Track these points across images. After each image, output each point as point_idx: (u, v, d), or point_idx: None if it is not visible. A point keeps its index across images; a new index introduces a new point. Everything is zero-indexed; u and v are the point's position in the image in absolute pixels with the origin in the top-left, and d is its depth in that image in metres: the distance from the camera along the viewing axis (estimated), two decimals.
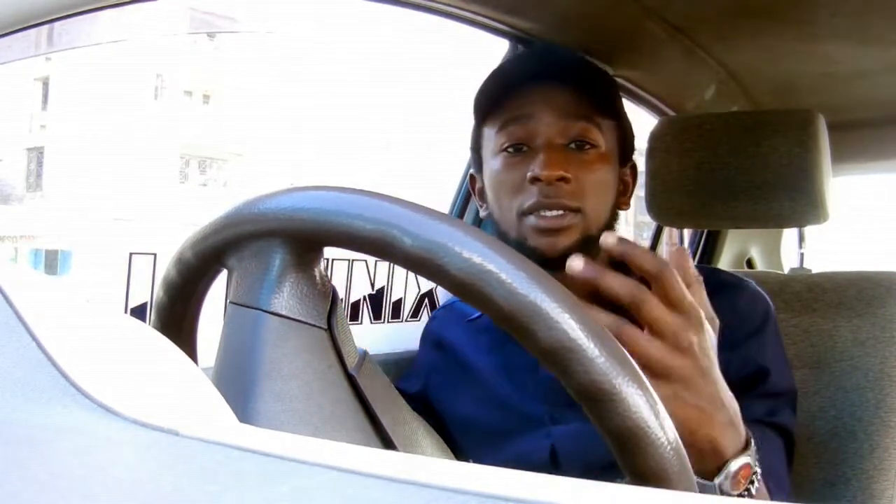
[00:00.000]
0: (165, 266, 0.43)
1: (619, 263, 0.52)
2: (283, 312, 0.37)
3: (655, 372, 0.50)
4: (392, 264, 0.59)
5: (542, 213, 0.76)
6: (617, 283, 0.50)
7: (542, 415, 0.80)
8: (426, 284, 1.15)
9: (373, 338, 1.06)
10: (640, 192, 1.09)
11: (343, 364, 0.39)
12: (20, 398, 0.24)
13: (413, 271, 0.35)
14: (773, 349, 0.78)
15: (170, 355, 0.30)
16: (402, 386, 0.92)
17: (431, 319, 1.01)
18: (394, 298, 1.10)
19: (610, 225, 0.82)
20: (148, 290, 0.79)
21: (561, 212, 0.76)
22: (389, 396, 0.41)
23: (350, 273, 1.03)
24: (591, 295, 0.50)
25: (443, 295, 1.15)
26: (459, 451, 0.86)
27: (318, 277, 0.39)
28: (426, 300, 1.14)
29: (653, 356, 0.50)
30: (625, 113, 0.85)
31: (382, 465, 0.20)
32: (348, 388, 0.38)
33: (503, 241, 0.80)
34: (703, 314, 0.53)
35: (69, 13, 0.59)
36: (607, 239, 0.50)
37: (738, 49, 1.27)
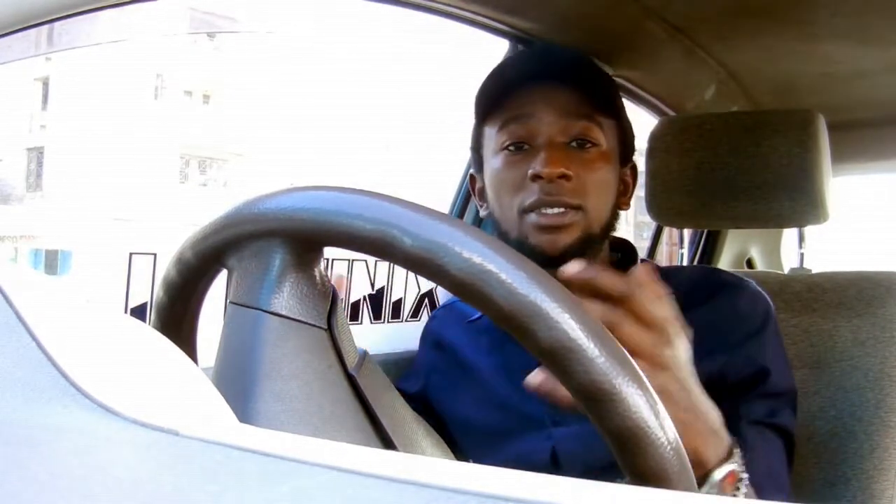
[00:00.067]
0: (165, 266, 0.43)
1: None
2: (283, 312, 0.37)
3: (662, 365, 0.52)
4: (392, 264, 0.59)
5: (543, 211, 0.76)
6: (588, 309, 0.51)
7: (543, 416, 0.80)
8: (426, 284, 1.15)
9: (373, 338, 1.06)
10: (640, 192, 1.09)
11: (343, 364, 0.39)
12: (20, 398, 0.24)
13: (413, 271, 0.35)
14: (773, 349, 0.78)
15: (170, 355, 0.30)
16: (402, 386, 0.92)
17: (431, 319, 1.01)
18: (394, 298, 1.10)
19: (611, 224, 0.82)
20: (148, 290, 0.79)
21: (562, 209, 0.76)
22: (389, 396, 0.41)
23: (350, 273, 1.03)
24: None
25: (443, 295, 1.15)
26: (459, 451, 0.86)
27: (318, 277, 0.39)
28: (426, 300, 1.14)
29: (658, 351, 0.52)
30: (625, 113, 0.85)
31: (382, 465, 0.20)
32: (348, 388, 0.38)
33: (503, 240, 0.81)
34: (675, 327, 0.54)
35: (69, 13, 0.59)
36: (569, 268, 0.50)
37: (738, 49, 1.27)
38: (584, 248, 0.78)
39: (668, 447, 0.34)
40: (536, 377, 0.49)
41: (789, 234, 1.87)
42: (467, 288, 0.33)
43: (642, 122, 1.36)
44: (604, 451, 0.35)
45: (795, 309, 1.03)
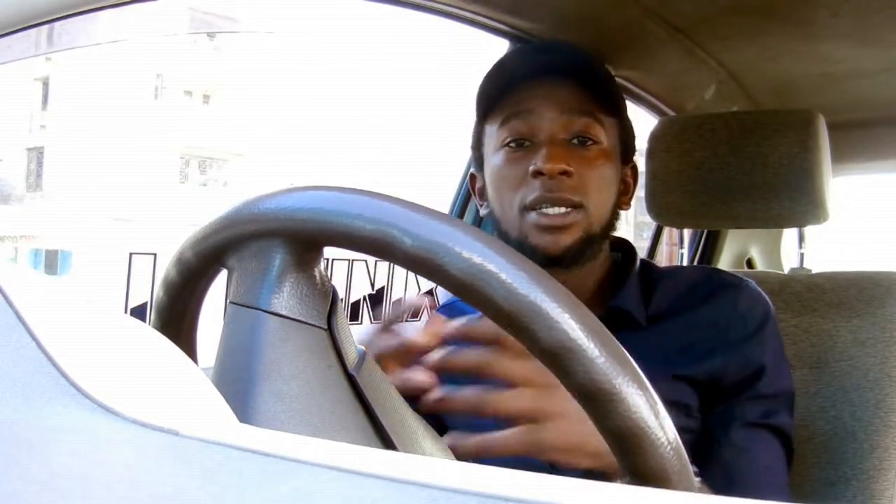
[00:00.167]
0: (165, 266, 0.43)
1: None
2: (283, 312, 0.37)
3: (530, 417, 0.54)
4: (392, 264, 0.59)
5: (545, 211, 0.76)
6: (462, 358, 0.55)
7: None
8: (426, 284, 1.15)
9: None
10: (640, 192, 1.09)
11: (343, 364, 0.39)
12: (20, 398, 0.24)
13: (413, 271, 0.35)
14: (772, 350, 0.78)
15: (170, 355, 0.30)
16: None
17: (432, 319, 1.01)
18: (394, 298, 1.10)
19: (611, 224, 0.82)
20: (148, 290, 0.79)
21: (563, 209, 0.76)
22: (389, 396, 0.41)
23: (350, 273, 1.03)
24: (441, 374, 0.55)
25: (443, 295, 1.15)
26: None
27: (318, 277, 0.39)
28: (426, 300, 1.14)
29: (519, 406, 0.54)
30: (626, 111, 0.85)
31: (382, 465, 0.20)
32: (348, 388, 0.38)
33: (504, 239, 0.81)
34: None
35: (69, 13, 0.59)
36: (445, 326, 0.56)
37: (738, 49, 1.27)
38: (584, 248, 0.78)
39: (668, 447, 0.34)
40: (417, 374, 0.53)
41: (789, 234, 1.87)
42: (467, 288, 0.33)
43: (642, 122, 1.36)
44: None
45: (795, 309, 1.03)
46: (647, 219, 1.19)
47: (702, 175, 1.06)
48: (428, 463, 0.21)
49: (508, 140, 0.80)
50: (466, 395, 0.54)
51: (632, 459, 0.34)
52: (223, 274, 0.41)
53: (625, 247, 0.87)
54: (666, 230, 1.77)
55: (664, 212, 1.10)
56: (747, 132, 1.05)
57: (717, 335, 0.77)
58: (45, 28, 0.58)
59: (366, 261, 1.05)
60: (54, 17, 0.58)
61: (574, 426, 0.55)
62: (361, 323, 1.06)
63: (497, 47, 1.15)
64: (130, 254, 0.78)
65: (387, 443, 0.39)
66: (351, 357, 0.39)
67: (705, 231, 1.74)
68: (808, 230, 1.38)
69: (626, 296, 0.80)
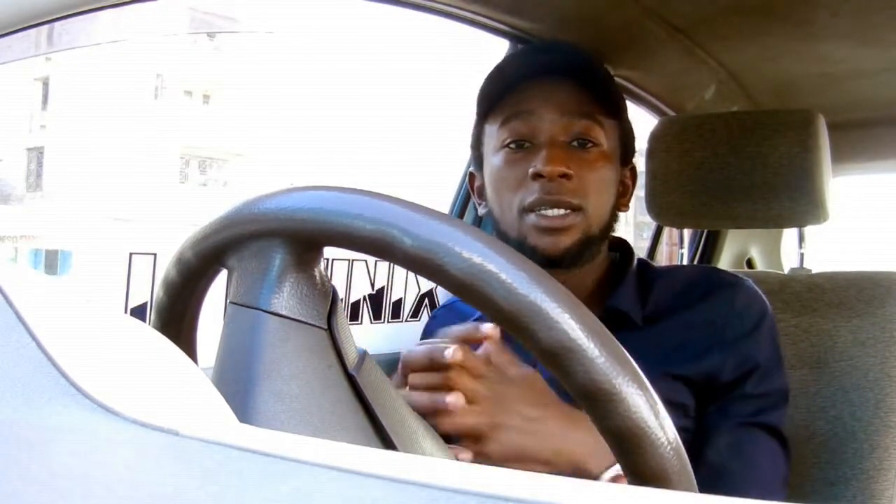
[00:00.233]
0: (165, 266, 0.43)
1: None
2: (283, 312, 0.37)
3: (475, 434, 0.58)
4: (392, 264, 0.60)
5: (544, 213, 0.76)
6: (420, 379, 0.59)
7: None
8: (426, 284, 1.15)
9: (373, 338, 1.06)
10: (640, 192, 1.09)
11: (343, 364, 0.39)
12: (20, 398, 0.24)
13: (413, 271, 0.35)
14: (767, 349, 0.78)
15: (170, 355, 0.30)
16: None
17: (431, 319, 1.01)
18: (394, 298, 1.10)
19: (610, 225, 0.82)
20: (148, 290, 0.79)
21: (562, 211, 0.76)
22: (389, 396, 0.41)
23: (350, 273, 1.03)
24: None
25: (443, 295, 1.15)
26: None
27: (318, 277, 0.39)
28: (426, 300, 1.14)
29: (463, 423, 0.58)
30: (627, 114, 0.85)
31: (382, 465, 0.20)
32: (348, 388, 0.38)
33: (502, 239, 0.81)
34: (502, 360, 0.61)
35: (69, 13, 0.59)
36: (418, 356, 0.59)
37: (738, 49, 1.27)
38: (583, 249, 0.78)
39: (668, 447, 0.34)
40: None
41: (789, 234, 1.87)
42: (467, 288, 0.33)
43: (642, 122, 1.36)
44: None
45: (795, 309, 1.03)
46: (647, 219, 1.19)
47: (702, 175, 1.06)
48: (428, 463, 0.21)
49: (508, 141, 0.80)
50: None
51: (632, 459, 0.34)
52: (223, 274, 0.41)
53: (623, 247, 0.87)
54: (666, 230, 1.77)
55: (664, 212, 1.10)
56: (747, 132, 1.05)
57: (714, 334, 0.77)
58: (45, 28, 0.58)
59: (366, 261, 1.05)
60: (54, 17, 0.58)
61: (519, 438, 0.59)
62: (361, 323, 1.06)
63: (497, 47, 1.15)
64: (130, 254, 0.78)
65: (387, 443, 0.39)
66: (351, 357, 0.39)
67: (705, 231, 1.74)
68: (808, 230, 1.38)
69: (623, 296, 0.80)
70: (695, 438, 0.75)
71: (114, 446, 0.23)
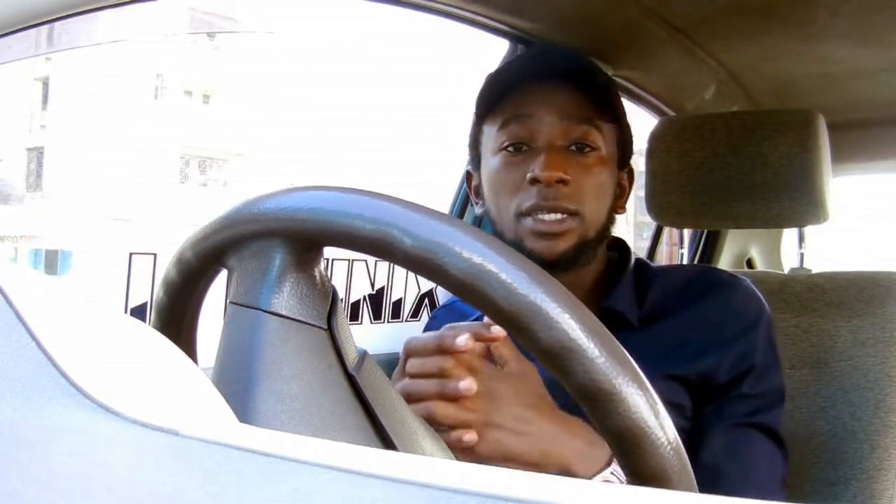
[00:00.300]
0: (165, 266, 0.43)
1: None
2: (283, 312, 0.37)
3: (476, 425, 0.58)
4: (392, 264, 0.60)
5: (541, 217, 0.76)
6: (419, 366, 0.59)
7: None
8: (426, 284, 1.15)
9: (373, 338, 1.06)
10: (640, 192, 1.09)
11: (343, 364, 0.39)
12: (20, 398, 0.24)
13: (413, 271, 0.35)
14: (763, 348, 0.78)
15: (170, 355, 0.30)
16: None
17: (431, 319, 1.01)
18: (394, 298, 1.10)
19: (607, 228, 0.82)
20: (148, 290, 0.79)
21: (559, 216, 0.76)
22: (389, 396, 0.41)
23: (350, 273, 1.03)
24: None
25: (443, 295, 1.15)
26: None
27: (318, 277, 0.39)
28: (426, 300, 1.14)
29: (455, 417, 0.57)
30: (625, 116, 0.85)
31: (382, 465, 0.20)
32: (348, 388, 0.38)
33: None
34: (510, 356, 0.61)
35: (69, 13, 0.59)
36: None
37: (738, 49, 1.27)
38: (579, 253, 0.78)
39: (668, 447, 0.34)
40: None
41: (789, 234, 1.87)
42: (467, 288, 0.33)
43: (642, 122, 1.36)
44: None
45: (795, 309, 1.03)
46: (647, 219, 1.19)
47: (702, 175, 1.06)
48: (428, 463, 0.21)
49: (506, 144, 0.80)
50: (414, 408, 0.57)
51: (632, 459, 0.34)
52: (223, 274, 0.41)
53: (620, 246, 0.87)
54: (666, 230, 1.77)
55: (664, 212, 1.10)
56: (747, 132, 1.05)
57: (711, 333, 0.77)
58: (45, 28, 0.58)
59: (366, 261, 1.05)
60: (54, 17, 0.58)
61: (508, 438, 0.59)
62: (361, 323, 1.06)
63: (497, 47, 1.15)
64: (130, 254, 0.78)
65: (387, 443, 0.39)
66: (351, 357, 0.39)
67: (705, 231, 1.74)
68: (808, 230, 1.38)
69: (619, 296, 0.80)
70: (691, 439, 0.75)
71: (114, 446, 0.23)
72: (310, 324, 0.38)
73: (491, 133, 0.82)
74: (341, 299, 0.41)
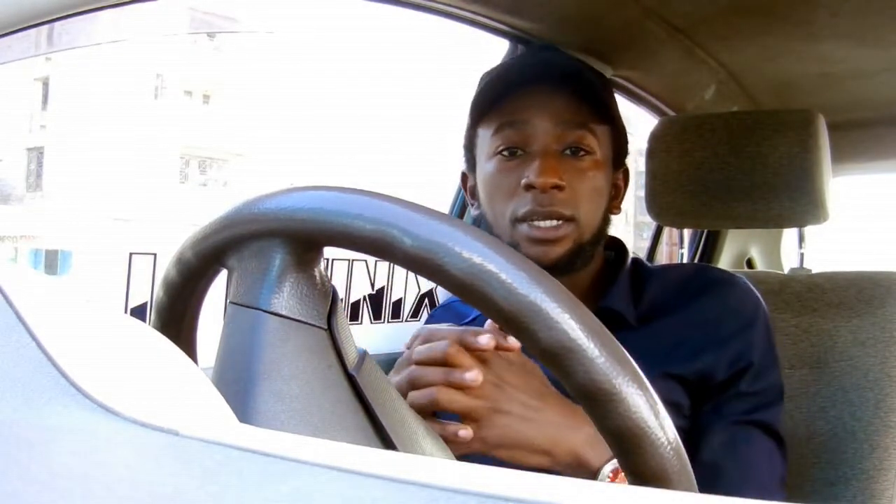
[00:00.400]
0: (165, 266, 0.43)
1: None
2: (283, 312, 0.37)
3: (474, 415, 0.58)
4: (392, 264, 0.60)
5: (536, 224, 0.76)
6: (426, 352, 0.59)
7: None
8: (426, 284, 1.15)
9: (373, 338, 1.06)
10: (640, 192, 1.09)
11: (343, 364, 0.39)
12: (20, 398, 0.24)
13: (413, 271, 0.35)
14: (761, 346, 0.78)
15: (170, 355, 0.30)
16: None
17: (429, 318, 1.01)
18: (394, 298, 1.10)
19: (602, 230, 0.82)
20: (148, 290, 0.79)
21: (555, 222, 0.76)
22: (389, 396, 0.41)
23: (350, 273, 1.03)
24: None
25: (443, 295, 1.15)
26: None
27: (318, 277, 0.39)
28: (426, 300, 1.14)
29: (462, 404, 0.58)
30: (620, 117, 0.85)
31: (382, 465, 0.20)
32: (348, 388, 0.38)
33: None
34: (513, 356, 0.61)
35: (69, 13, 0.59)
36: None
37: (738, 49, 1.27)
38: (575, 257, 0.78)
39: (668, 447, 0.34)
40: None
41: (789, 234, 1.87)
42: (467, 288, 0.33)
43: (642, 122, 1.36)
44: None
45: (795, 309, 1.03)
46: (647, 219, 1.19)
47: (702, 175, 1.06)
48: (428, 463, 0.21)
49: (501, 148, 0.79)
50: (418, 394, 0.57)
51: (632, 459, 0.34)
52: (223, 274, 0.41)
53: (617, 246, 0.87)
54: (666, 230, 1.77)
55: (664, 212, 1.10)
56: (747, 132, 1.05)
57: (708, 332, 0.77)
58: (45, 28, 0.58)
59: (366, 261, 1.05)
60: (54, 17, 0.58)
61: (517, 424, 0.59)
62: (361, 323, 1.06)
63: (497, 47, 1.15)
64: (130, 254, 0.78)
65: (387, 443, 0.39)
66: (351, 357, 0.39)
67: (705, 231, 1.74)
68: (808, 230, 1.38)
69: (616, 296, 0.80)
70: (690, 438, 0.75)
71: (114, 446, 0.23)
72: (310, 324, 0.38)
73: (486, 137, 0.82)
74: (341, 299, 0.41)
